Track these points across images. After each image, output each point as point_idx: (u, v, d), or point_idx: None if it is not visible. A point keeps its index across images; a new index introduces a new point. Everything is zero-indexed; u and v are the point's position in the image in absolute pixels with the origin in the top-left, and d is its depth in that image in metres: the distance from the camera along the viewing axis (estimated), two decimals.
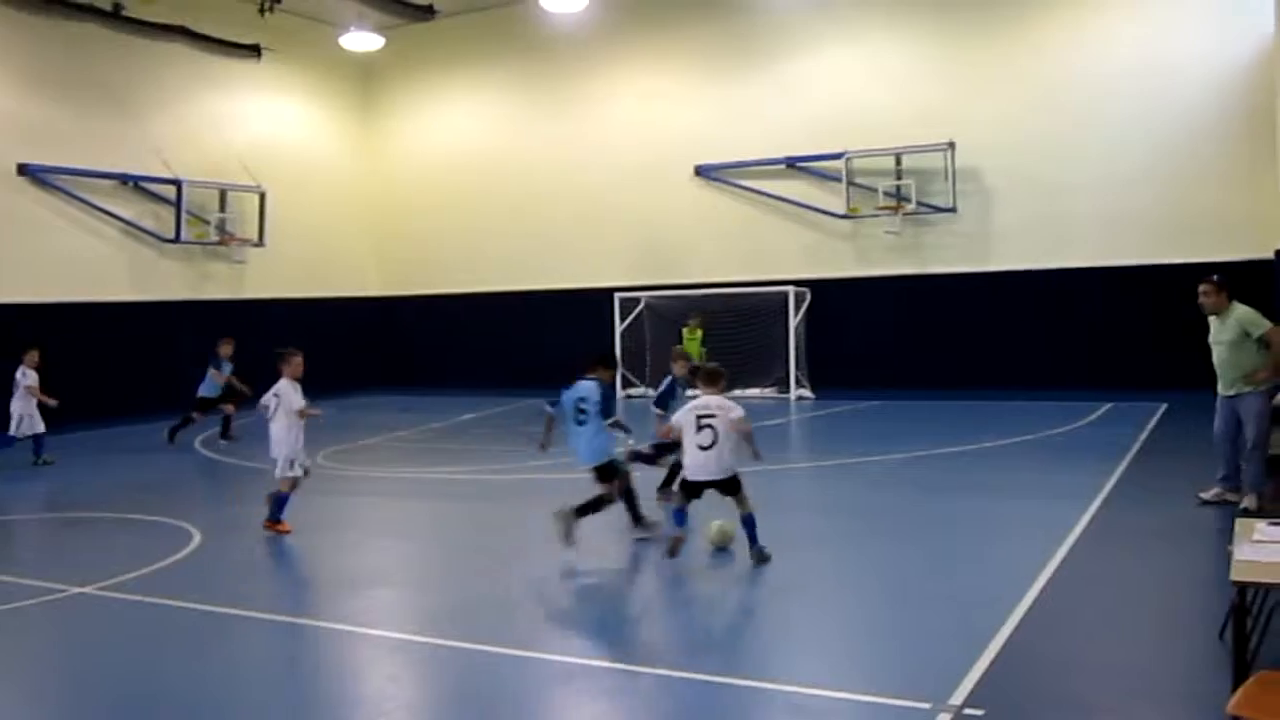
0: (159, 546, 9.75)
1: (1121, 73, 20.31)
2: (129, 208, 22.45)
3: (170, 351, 21.78)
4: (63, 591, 8.30)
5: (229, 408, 17.32)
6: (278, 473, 10.43)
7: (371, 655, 7.00)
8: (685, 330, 21.92)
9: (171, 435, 17.30)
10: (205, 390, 17.31)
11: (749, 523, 8.61)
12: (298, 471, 10.43)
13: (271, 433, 10.48)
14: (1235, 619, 5.19)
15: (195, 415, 17.43)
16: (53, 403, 15.59)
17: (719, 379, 9.01)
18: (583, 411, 9.47)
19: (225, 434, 17.46)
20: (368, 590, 8.54)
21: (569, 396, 9.60)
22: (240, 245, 24.29)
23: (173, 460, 16.14)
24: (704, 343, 21.63)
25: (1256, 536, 5.63)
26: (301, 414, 10.36)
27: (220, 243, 23.92)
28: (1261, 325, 9.72)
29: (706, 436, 8.57)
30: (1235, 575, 5.11)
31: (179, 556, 9.46)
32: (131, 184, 22.45)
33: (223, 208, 24.00)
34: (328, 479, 13.62)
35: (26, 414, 15.40)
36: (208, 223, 23.70)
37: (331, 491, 12.67)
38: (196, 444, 17.35)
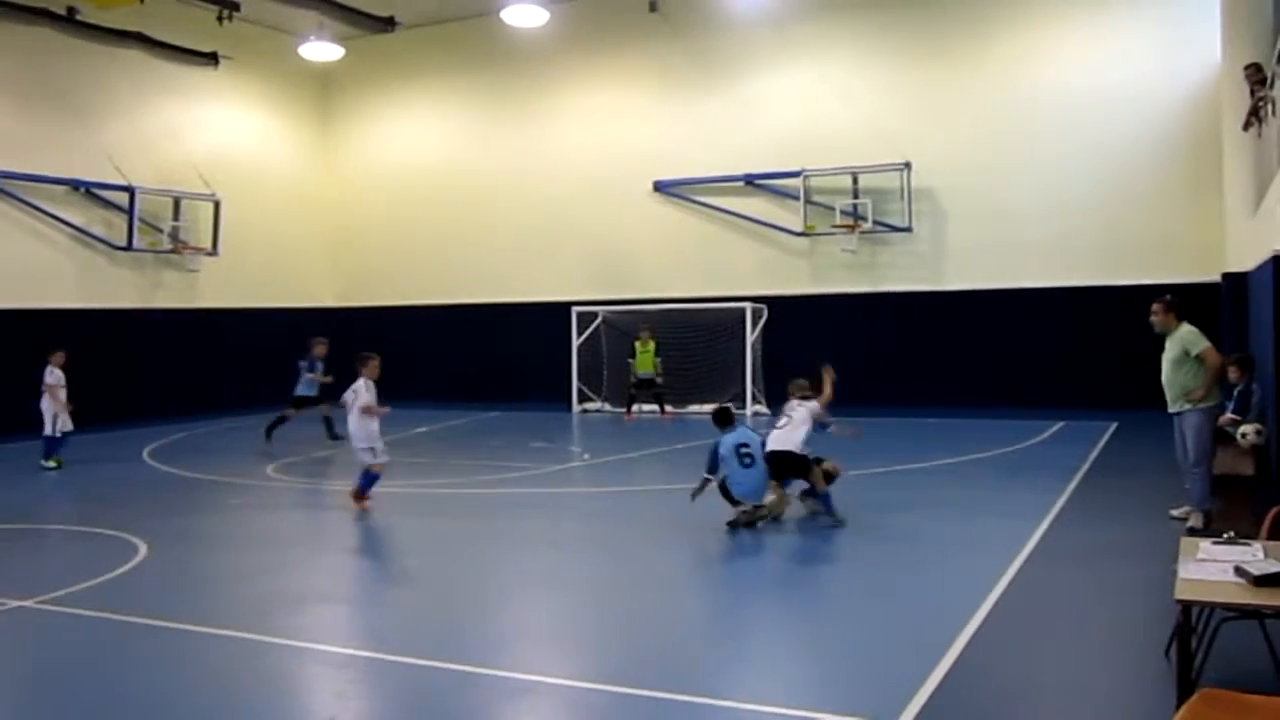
0: (103, 559, 9.56)
1: (1073, 99, 20.67)
2: (80, 214, 22.12)
3: (120, 360, 21.48)
4: (1, 605, 8.12)
5: (324, 407, 17.74)
6: (362, 459, 11.73)
7: (318, 671, 6.90)
8: (638, 343, 21.92)
9: (268, 433, 17.53)
10: (303, 390, 17.77)
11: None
12: (383, 458, 11.80)
13: (349, 425, 11.82)
14: (1180, 637, 5.25)
15: (290, 412, 17.87)
16: (69, 407, 15.76)
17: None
18: (749, 455, 10.49)
19: (332, 434, 17.65)
20: (315, 605, 8.43)
21: (728, 443, 10.51)
22: (194, 254, 24.00)
23: (120, 471, 15.88)
24: (657, 353, 21.67)
25: (1201, 555, 5.70)
26: (368, 410, 11.62)
27: (173, 251, 23.62)
28: (1200, 344, 9.90)
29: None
30: (1179, 594, 5.16)
31: (123, 569, 9.28)
32: (83, 190, 22.13)
33: (176, 216, 23.68)
34: (277, 492, 13.47)
35: (51, 415, 15.65)
36: (161, 231, 23.39)
37: (280, 505, 12.51)
38: (144, 454, 17.08)
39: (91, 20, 22.03)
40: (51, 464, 15.60)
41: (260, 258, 25.75)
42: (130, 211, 22.48)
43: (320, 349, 18.02)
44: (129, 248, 22.59)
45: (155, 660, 6.98)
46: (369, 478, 11.80)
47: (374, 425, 11.74)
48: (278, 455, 16.43)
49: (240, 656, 7.02)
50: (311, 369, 17.83)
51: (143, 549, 10.03)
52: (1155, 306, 10.25)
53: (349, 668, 6.82)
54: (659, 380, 21.74)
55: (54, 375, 15.76)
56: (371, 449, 11.72)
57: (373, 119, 28.10)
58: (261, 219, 25.92)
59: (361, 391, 11.70)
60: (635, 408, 22.05)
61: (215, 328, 24.22)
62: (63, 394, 15.70)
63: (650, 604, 8.26)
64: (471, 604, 8.29)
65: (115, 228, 22.61)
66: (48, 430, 15.65)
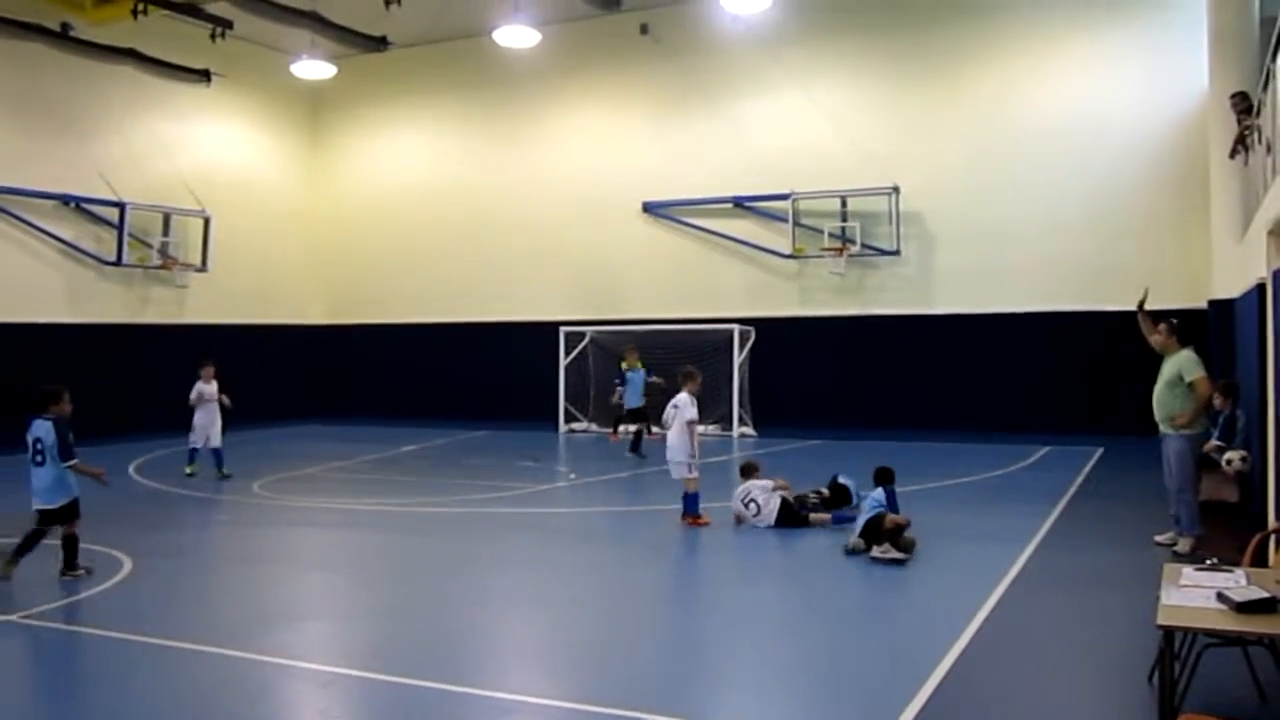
0: (88, 575, 9.50)
1: (1061, 125, 20.84)
2: (69, 229, 22.10)
3: (107, 375, 21.40)
4: None
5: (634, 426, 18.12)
6: (680, 474, 11.88)
7: (302, 689, 6.87)
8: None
9: (634, 448, 17.99)
10: (632, 401, 18.25)
11: None
12: (695, 473, 11.87)
13: (669, 439, 12.02)
14: (1162, 663, 5.27)
15: (631, 427, 18.24)
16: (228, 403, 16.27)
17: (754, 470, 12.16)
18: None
19: (635, 448, 17.99)
20: (300, 622, 8.40)
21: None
22: (183, 270, 23.99)
23: (107, 486, 15.75)
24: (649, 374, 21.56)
25: (1183, 581, 5.73)
26: (690, 425, 11.85)
27: (162, 266, 23.59)
28: (1195, 372, 9.95)
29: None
30: (1162, 619, 5.19)
31: (108, 585, 9.25)
32: (73, 205, 22.12)
33: (166, 231, 23.68)
34: (262, 509, 13.42)
35: (202, 426, 16.08)
36: (150, 246, 23.37)
37: (266, 522, 12.46)
38: (131, 470, 17.01)
39: (85, 36, 22.08)
40: (189, 470, 16.23)
41: (249, 274, 25.74)
42: (120, 227, 22.48)
43: (633, 358, 18.24)
44: (118, 263, 22.57)
45: (138, 677, 6.95)
46: (692, 498, 11.90)
47: (693, 440, 11.89)
48: (262, 472, 16.35)
49: (224, 674, 6.99)
50: (622, 381, 18.22)
51: (128, 564, 9.99)
52: (1160, 326, 10.38)
53: (333, 686, 6.80)
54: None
55: (199, 390, 16.21)
56: (688, 464, 11.82)
57: (364, 138, 28.16)
58: (251, 236, 25.93)
59: (685, 406, 11.91)
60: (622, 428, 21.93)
61: (203, 343, 24.04)
62: (209, 406, 16.08)
63: (634, 625, 8.25)
64: (456, 623, 8.27)
65: (105, 243, 22.59)
66: (197, 444, 16.16)
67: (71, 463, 9.36)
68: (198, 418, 16.12)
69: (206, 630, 7.95)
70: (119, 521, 12.82)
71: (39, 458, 9.34)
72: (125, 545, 10.78)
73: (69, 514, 9.46)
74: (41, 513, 9.40)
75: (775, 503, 11.69)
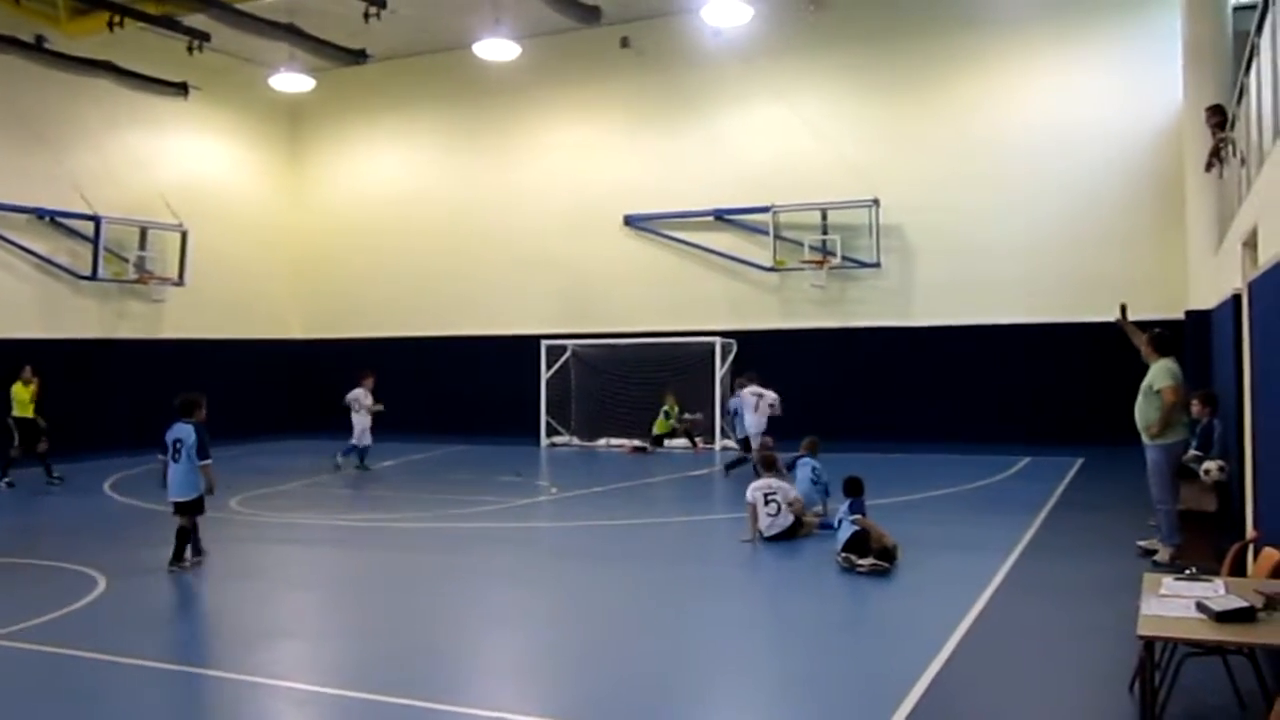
0: (60, 593, 9.39)
1: (1040, 138, 20.99)
2: (44, 243, 21.93)
3: (82, 391, 21.22)
4: None
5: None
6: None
7: (279, 708, 6.78)
8: (664, 409, 22.11)
9: (729, 468, 17.54)
10: (754, 428, 17.35)
11: None
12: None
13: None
14: (1143, 673, 5.26)
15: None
16: (379, 407, 19.09)
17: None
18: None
19: (733, 466, 17.64)
20: (277, 640, 8.31)
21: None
22: (159, 284, 23.82)
23: (81, 503, 15.65)
24: (681, 413, 22.05)
25: (1163, 591, 5.73)
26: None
27: (139, 281, 23.43)
28: (1162, 380, 10.00)
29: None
30: (1141, 630, 5.18)
31: (81, 604, 9.12)
32: (48, 219, 21.95)
33: (143, 246, 23.53)
34: (241, 525, 13.31)
35: (361, 427, 18.89)
36: (126, 260, 23.21)
37: (244, 539, 12.35)
38: (106, 487, 16.84)
39: (60, 49, 21.95)
40: (363, 466, 18.85)
41: (227, 289, 25.60)
42: (96, 241, 22.32)
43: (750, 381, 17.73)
44: (94, 277, 22.40)
45: (111, 697, 6.85)
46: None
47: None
48: (241, 488, 16.22)
49: (199, 693, 6.90)
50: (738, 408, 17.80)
51: (102, 583, 9.86)
52: (1145, 336, 10.45)
53: (310, 704, 6.72)
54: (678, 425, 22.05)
55: (364, 395, 19.04)
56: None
57: (343, 151, 28.08)
58: (229, 250, 25.80)
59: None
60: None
61: (180, 358, 23.98)
62: (365, 410, 18.90)
63: (616, 639, 8.19)
64: (434, 640, 8.20)
65: (80, 257, 22.42)
66: (355, 441, 18.87)
67: (206, 463, 10.40)
68: (363, 420, 18.87)
69: (181, 649, 7.86)
70: (94, 539, 12.69)
71: (177, 456, 10.40)
72: (99, 563, 10.65)
73: (198, 507, 10.61)
74: (176, 504, 10.54)
75: (789, 520, 11.54)
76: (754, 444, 16.09)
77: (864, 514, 10.41)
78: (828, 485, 12.69)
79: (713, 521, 14.12)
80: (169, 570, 10.36)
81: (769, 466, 12.12)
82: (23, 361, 17.67)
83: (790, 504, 11.67)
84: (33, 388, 17.31)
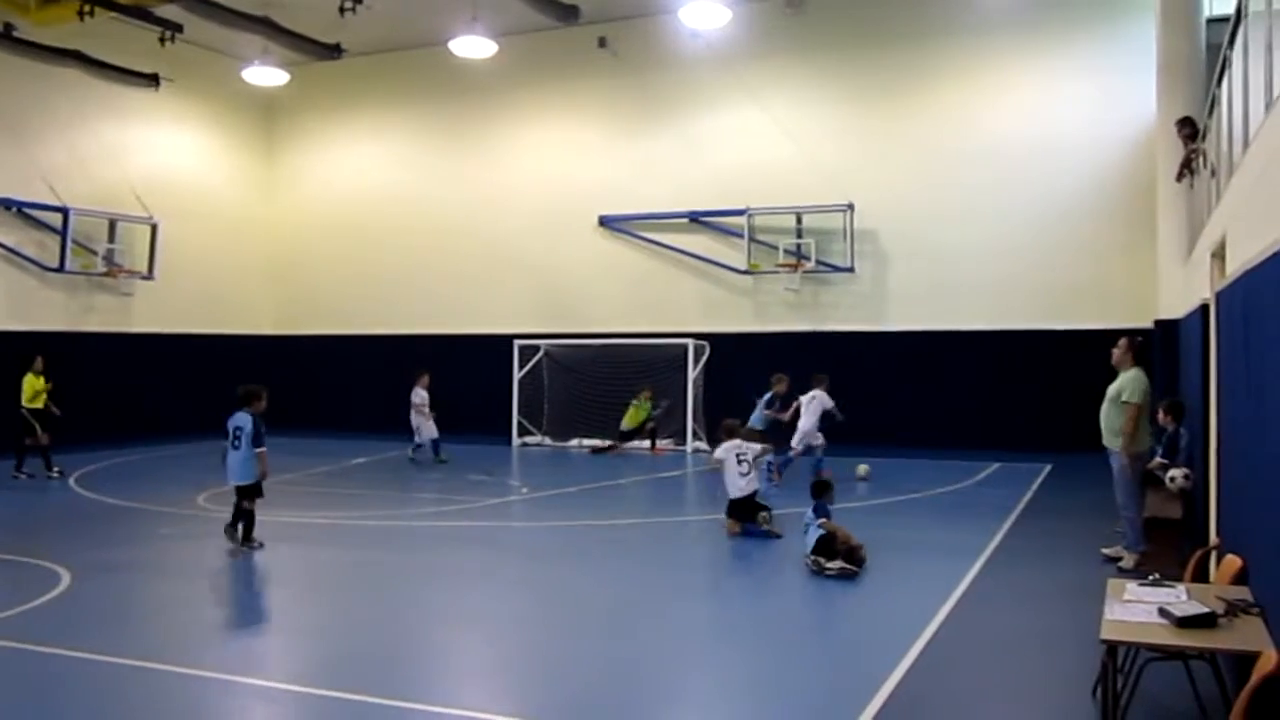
0: (22, 588, 9.29)
1: (1013, 146, 21.13)
2: (11, 234, 21.67)
3: (48, 384, 20.94)
4: None
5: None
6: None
7: (246, 705, 6.74)
8: (634, 401, 21.88)
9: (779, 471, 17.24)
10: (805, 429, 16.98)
11: None
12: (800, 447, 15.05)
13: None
14: (1104, 678, 5.30)
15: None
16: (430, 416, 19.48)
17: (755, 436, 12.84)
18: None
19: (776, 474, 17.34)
20: (244, 638, 8.26)
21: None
22: (128, 277, 23.59)
23: (45, 498, 15.49)
24: (653, 408, 21.81)
25: (1126, 596, 5.78)
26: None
27: (107, 274, 23.20)
28: (1128, 392, 10.07)
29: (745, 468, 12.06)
30: (1104, 634, 5.23)
31: (43, 599, 9.02)
32: (14, 210, 21.69)
33: (112, 238, 23.30)
34: (207, 521, 13.19)
35: (418, 425, 19.53)
36: (95, 253, 22.98)
37: (211, 535, 12.24)
38: (71, 481, 16.67)
39: (29, 37, 21.68)
40: (442, 458, 19.37)
41: (197, 283, 25.39)
42: (64, 233, 22.07)
43: (781, 386, 17.39)
44: (61, 270, 22.16)
45: (75, 693, 6.77)
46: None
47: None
48: (208, 484, 16.08)
49: (165, 690, 6.84)
50: (770, 405, 17.31)
51: (66, 578, 9.76)
52: (1120, 342, 10.50)
53: (278, 702, 6.68)
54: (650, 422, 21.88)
55: (419, 395, 19.54)
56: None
57: (317, 146, 27.92)
58: (200, 244, 25.59)
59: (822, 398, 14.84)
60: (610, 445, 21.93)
61: (149, 353, 23.78)
62: (427, 410, 19.42)
63: (585, 640, 8.18)
64: (403, 638, 8.16)
65: (48, 249, 22.17)
66: (418, 439, 19.57)
67: (261, 450, 11.17)
68: (422, 418, 19.43)
69: (147, 646, 7.78)
70: (58, 534, 12.57)
71: (236, 442, 11.20)
72: (64, 558, 10.54)
73: (257, 491, 11.31)
74: (237, 488, 11.29)
75: (758, 482, 12.18)
76: (798, 444, 16.30)
77: (829, 517, 10.46)
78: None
79: (683, 523, 14.14)
80: (241, 549, 11.20)
81: (731, 433, 12.51)
82: None
83: (756, 460, 12.31)
84: (42, 379, 17.46)
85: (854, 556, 10.01)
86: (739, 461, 12.00)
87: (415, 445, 19.80)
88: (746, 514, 12.03)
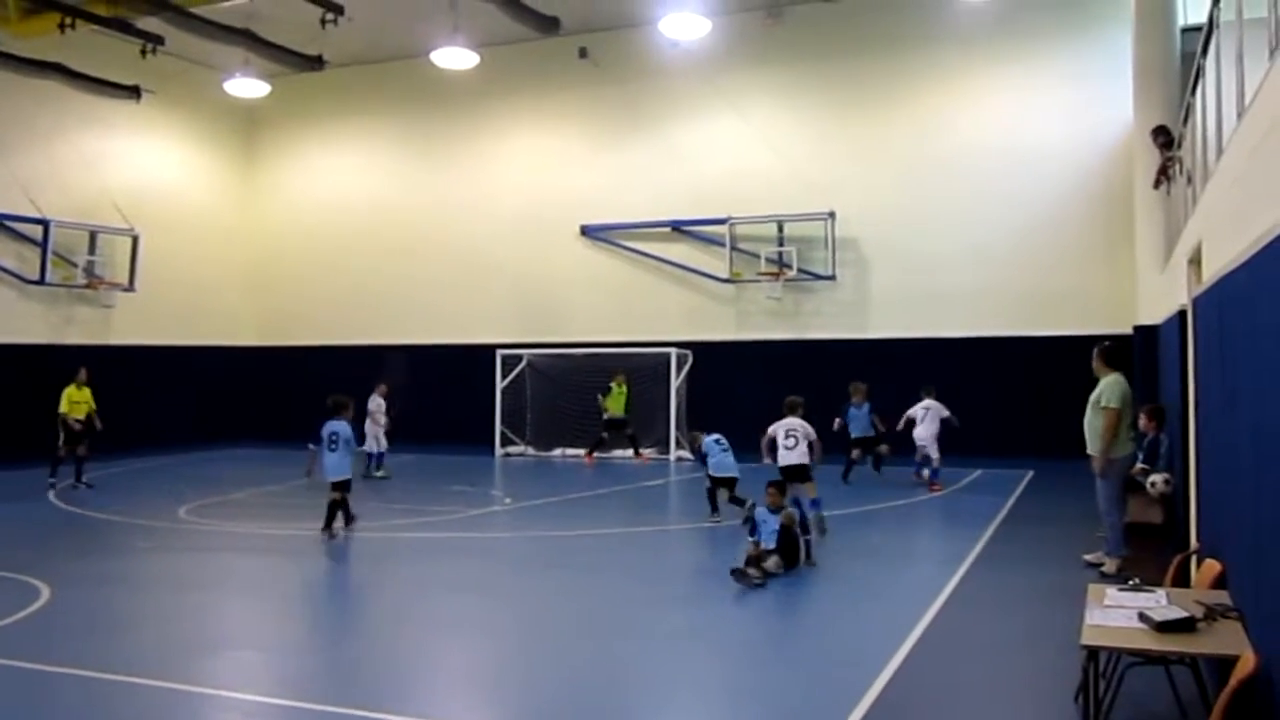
0: (1, 603, 9.20)
1: (993, 154, 21.28)
2: None
3: (27, 397, 20.82)
4: None
5: (856, 453, 17.57)
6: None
7: (225, 718, 6.69)
8: (613, 384, 21.66)
9: (845, 476, 17.30)
10: (859, 430, 17.46)
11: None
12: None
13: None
14: (1086, 683, 5.33)
15: (856, 454, 17.57)
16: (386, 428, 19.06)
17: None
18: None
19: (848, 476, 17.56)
20: (226, 651, 8.20)
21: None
22: (109, 289, 23.47)
23: (24, 511, 15.36)
24: (629, 398, 21.66)
25: (1107, 601, 5.81)
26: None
27: (88, 286, 23.08)
28: (1105, 399, 10.11)
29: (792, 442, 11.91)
30: (1085, 639, 5.26)
31: (23, 614, 8.94)
32: None
33: (92, 250, 23.19)
34: (187, 534, 13.14)
35: (373, 435, 18.74)
36: (75, 265, 22.86)
37: (191, 548, 12.20)
38: (51, 495, 16.55)
39: (9, 49, 21.57)
40: (381, 473, 18.70)
41: (179, 294, 25.27)
42: (44, 245, 21.96)
43: (859, 395, 17.60)
44: (41, 282, 22.04)
45: (55, 710, 6.72)
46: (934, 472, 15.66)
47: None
48: (190, 497, 16.00)
49: (147, 705, 6.79)
50: (859, 410, 17.65)
51: (45, 592, 9.68)
52: (1094, 351, 10.57)
53: (258, 716, 6.64)
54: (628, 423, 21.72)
55: (375, 403, 18.97)
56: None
57: (298, 157, 27.86)
58: (181, 255, 25.48)
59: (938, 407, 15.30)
60: (595, 453, 21.76)
61: (129, 365, 23.63)
62: (382, 419, 18.93)
63: (567, 650, 8.16)
64: (382, 650, 8.12)
65: (28, 261, 22.05)
66: (368, 447, 18.53)
67: (361, 450, 13.02)
68: (377, 427, 18.81)
69: (127, 660, 7.72)
70: (37, 548, 12.47)
71: (334, 446, 12.69)
72: (43, 572, 10.46)
73: (350, 485, 12.90)
74: (334, 484, 12.68)
75: (805, 455, 11.87)
76: (919, 452, 16.98)
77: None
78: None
79: (665, 533, 14.14)
80: (320, 536, 12.51)
81: (792, 410, 12.35)
82: None
83: (811, 443, 11.95)
84: (87, 391, 17.54)
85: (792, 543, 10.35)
86: (787, 436, 11.97)
87: (374, 463, 18.89)
88: (795, 477, 11.81)
